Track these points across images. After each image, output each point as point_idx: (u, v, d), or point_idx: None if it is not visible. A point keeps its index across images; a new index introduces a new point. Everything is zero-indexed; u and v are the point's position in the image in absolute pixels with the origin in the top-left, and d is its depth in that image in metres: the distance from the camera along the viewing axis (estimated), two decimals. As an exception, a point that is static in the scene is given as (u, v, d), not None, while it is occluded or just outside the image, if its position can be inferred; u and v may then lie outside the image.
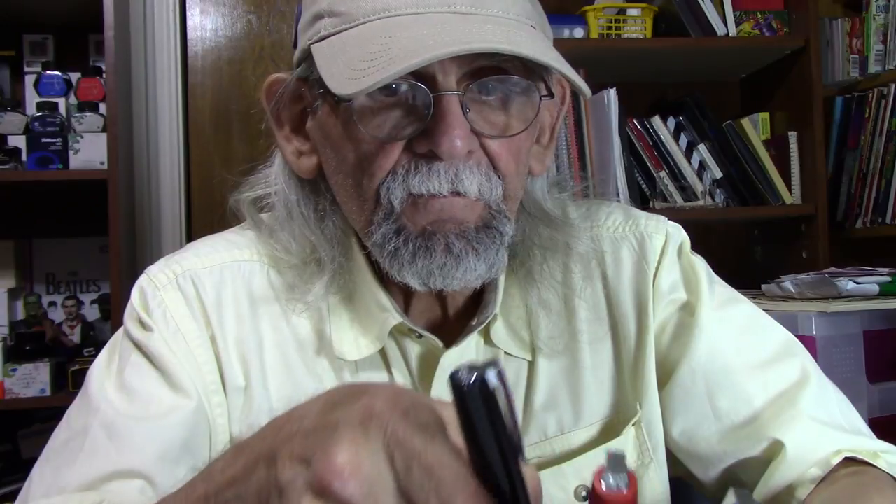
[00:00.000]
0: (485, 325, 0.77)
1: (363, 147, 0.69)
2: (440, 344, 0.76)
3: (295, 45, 0.76)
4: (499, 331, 0.79)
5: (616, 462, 0.44)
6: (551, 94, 0.72)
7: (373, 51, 0.64)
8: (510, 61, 0.68)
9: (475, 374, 0.39)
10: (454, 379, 0.40)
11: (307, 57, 0.72)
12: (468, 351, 0.77)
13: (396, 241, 0.69)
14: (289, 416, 0.53)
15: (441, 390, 0.76)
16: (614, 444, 0.79)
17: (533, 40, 0.66)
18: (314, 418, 0.48)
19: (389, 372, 0.77)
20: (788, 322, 0.85)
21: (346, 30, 0.68)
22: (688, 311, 0.82)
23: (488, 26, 0.65)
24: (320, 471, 0.40)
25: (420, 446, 0.40)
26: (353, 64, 0.65)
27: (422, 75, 0.66)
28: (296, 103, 0.77)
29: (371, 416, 0.43)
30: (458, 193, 0.68)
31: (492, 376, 0.39)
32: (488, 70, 0.68)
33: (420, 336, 0.76)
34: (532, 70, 0.69)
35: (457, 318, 0.79)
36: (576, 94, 0.83)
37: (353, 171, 0.71)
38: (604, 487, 0.43)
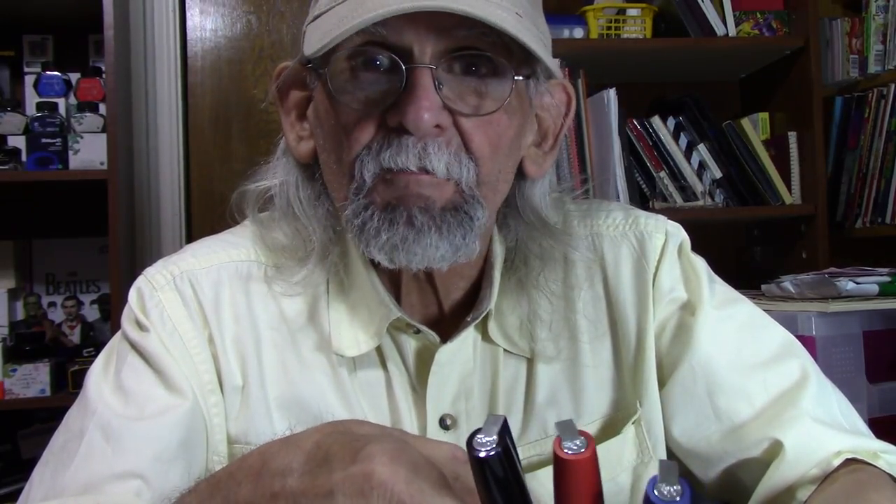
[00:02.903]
0: (480, 320, 0.77)
1: (343, 120, 0.71)
2: (437, 339, 0.76)
3: None
4: (496, 329, 0.79)
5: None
6: (531, 77, 0.73)
7: (344, 15, 0.66)
8: (488, 39, 0.68)
9: (493, 443, 0.43)
10: (472, 447, 0.43)
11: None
12: (465, 346, 0.77)
13: (364, 215, 0.70)
14: (265, 460, 0.51)
15: (437, 385, 0.76)
16: (614, 442, 0.80)
17: (505, 18, 0.65)
18: (301, 478, 0.46)
19: (385, 368, 0.78)
20: (788, 322, 0.85)
21: (336, 6, 0.70)
22: (688, 311, 0.82)
23: None
24: None
25: None
26: (326, 28, 0.67)
27: (400, 49, 0.67)
28: (301, 89, 0.79)
29: (372, 485, 0.43)
30: (426, 171, 0.68)
31: (505, 440, 0.43)
32: (466, 48, 0.69)
33: (417, 331, 0.76)
34: (511, 53, 0.70)
35: (453, 315, 0.79)
36: (576, 97, 0.83)
37: (334, 147, 0.72)
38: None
